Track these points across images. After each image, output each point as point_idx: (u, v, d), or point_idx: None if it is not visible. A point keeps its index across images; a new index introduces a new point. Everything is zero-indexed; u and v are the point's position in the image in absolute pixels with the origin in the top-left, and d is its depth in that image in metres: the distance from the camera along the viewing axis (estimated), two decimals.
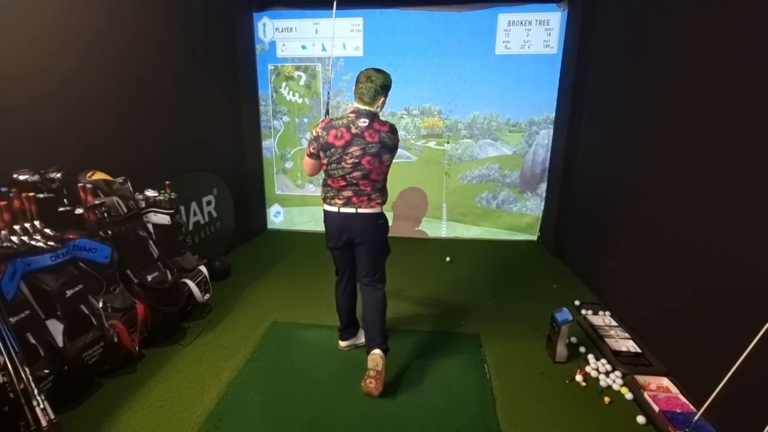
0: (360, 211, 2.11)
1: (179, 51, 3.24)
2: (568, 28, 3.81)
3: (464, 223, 4.52)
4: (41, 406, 1.61)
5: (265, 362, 2.41)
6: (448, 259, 3.84)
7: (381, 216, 2.17)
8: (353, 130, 2.00)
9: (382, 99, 2.04)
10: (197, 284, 2.78)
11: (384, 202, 2.16)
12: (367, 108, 2.02)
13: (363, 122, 2.00)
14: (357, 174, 2.04)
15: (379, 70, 2.02)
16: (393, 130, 2.07)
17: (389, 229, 2.27)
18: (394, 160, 2.15)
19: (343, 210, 2.11)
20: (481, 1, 3.94)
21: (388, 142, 2.04)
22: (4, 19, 2.02)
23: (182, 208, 3.21)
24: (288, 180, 4.68)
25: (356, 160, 2.01)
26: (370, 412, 2.04)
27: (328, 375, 2.29)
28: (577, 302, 3.06)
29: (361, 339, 2.51)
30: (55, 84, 2.28)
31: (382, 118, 2.08)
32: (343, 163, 2.03)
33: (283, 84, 4.39)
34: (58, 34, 2.29)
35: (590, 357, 2.43)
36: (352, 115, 2.02)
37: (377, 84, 1.98)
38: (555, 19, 3.89)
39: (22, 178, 2.03)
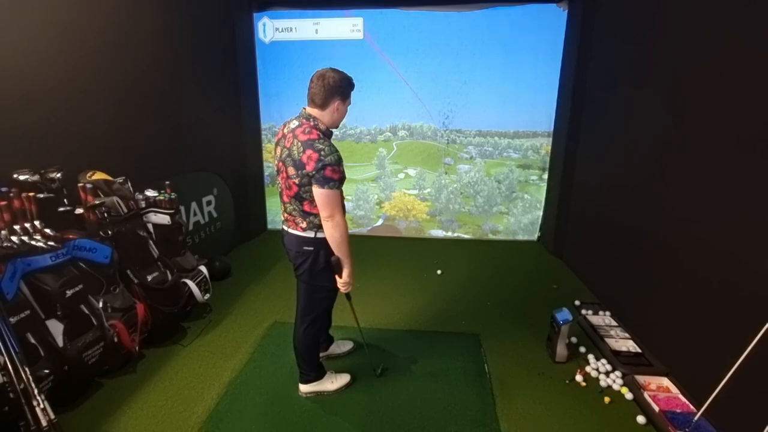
0: (286, 228, 1.90)
1: (179, 51, 3.25)
2: (568, 28, 3.82)
3: (463, 224, 4.53)
4: (41, 406, 1.62)
5: (265, 362, 2.41)
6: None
7: (310, 242, 1.82)
8: (285, 130, 1.80)
9: (337, 102, 1.74)
10: (197, 284, 2.78)
11: (311, 227, 1.80)
12: (315, 110, 1.75)
13: (294, 123, 1.77)
14: (279, 181, 1.84)
15: (334, 70, 1.75)
16: (312, 145, 1.65)
17: (327, 264, 1.84)
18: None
19: (283, 226, 1.93)
20: (481, 1, 3.94)
21: (295, 153, 1.68)
22: (4, 19, 2.02)
23: (182, 208, 3.21)
24: None
25: (276, 166, 1.84)
26: (371, 412, 2.04)
27: None
28: (577, 302, 3.06)
29: (337, 350, 2.47)
30: (55, 84, 2.28)
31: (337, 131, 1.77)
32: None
33: None
34: (58, 34, 2.29)
35: (590, 357, 2.43)
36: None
37: (330, 83, 1.71)
38: (555, 19, 3.88)
39: (22, 178, 2.03)
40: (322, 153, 1.64)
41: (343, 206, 1.85)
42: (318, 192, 1.68)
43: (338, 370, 2.26)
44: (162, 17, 3.05)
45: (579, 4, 3.56)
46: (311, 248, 1.83)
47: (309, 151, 1.65)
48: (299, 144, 1.68)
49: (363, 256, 3.87)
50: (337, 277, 1.88)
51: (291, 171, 1.72)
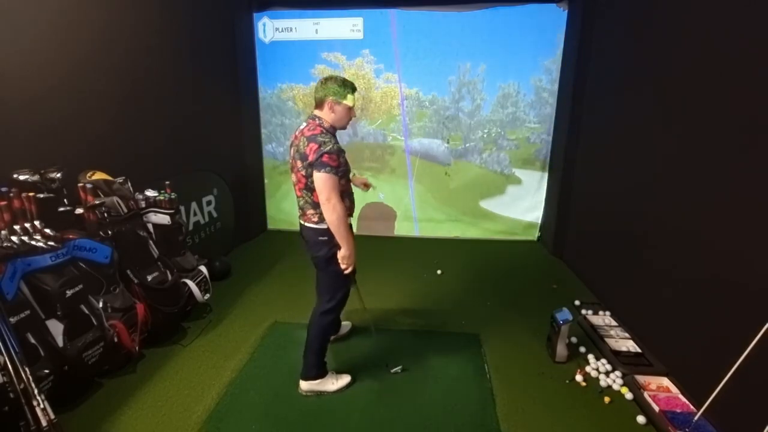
0: (302, 221, 2.03)
1: (179, 51, 3.25)
2: (568, 28, 3.82)
3: (464, 224, 4.53)
4: (41, 406, 1.62)
5: (265, 362, 2.41)
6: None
7: (324, 233, 1.95)
8: (296, 132, 1.96)
9: (330, 101, 1.89)
10: (197, 284, 2.78)
11: (322, 219, 1.92)
12: (317, 110, 1.94)
13: (303, 125, 1.95)
14: (293, 177, 1.98)
15: (334, 77, 1.91)
16: (314, 139, 1.82)
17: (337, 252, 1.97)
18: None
19: (300, 220, 2.05)
20: (481, 1, 3.94)
21: (302, 147, 1.85)
22: (4, 20, 2.02)
23: (182, 208, 3.21)
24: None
25: (290, 165, 2.00)
26: (371, 412, 2.04)
27: None
28: (577, 302, 3.06)
29: (340, 332, 2.56)
30: (55, 84, 2.28)
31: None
32: None
33: None
34: (59, 34, 2.29)
35: (590, 357, 2.43)
36: None
37: (325, 84, 1.89)
38: (555, 19, 3.89)
39: (22, 178, 2.03)
40: (323, 144, 1.81)
41: (352, 199, 2.04)
42: (316, 176, 1.82)
43: (341, 369, 2.26)
44: (162, 17, 3.05)
45: (579, 4, 3.57)
46: (326, 238, 1.96)
47: (312, 144, 1.82)
48: (305, 139, 1.86)
49: (362, 256, 3.87)
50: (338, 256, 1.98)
51: (299, 164, 1.89)
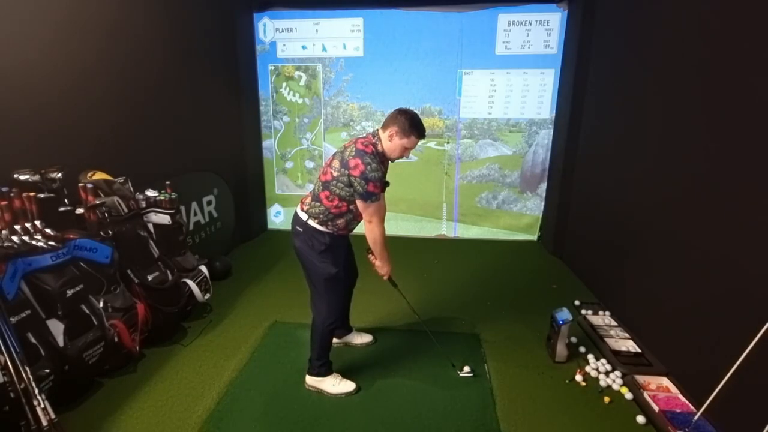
0: (297, 209, 2.06)
1: (180, 51, 3.25)
2: (568, 28, 3.82)
3: (464, 223, 4.53)
4: (42, 405, 1.62)
5: (266, 362, 2.41)
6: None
7: (302, 224, 2.00)
8: (353, 139, 2.02)
9: (393, 130, 1.91)
10: (198, 284, 2.78)
11: (308, 211, 1.99)
12: (380, 131, 1.96)
13: (361, 136, 2.00)
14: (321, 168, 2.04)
15: (411, 115, 1.93)
16: (362, 156, 1.85)
17: (322, 253, 1.99)
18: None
19: None
20: (481, 1, 3.94)
21: (347, 154, 1.88)
22: (5, 20, 2.02)
23: (182, 208, 3.21)
24: (288, 180, 4.68)
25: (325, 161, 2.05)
26: (371, 412, 2.04)
27: None
28: (577, 302, 3.06)
29: (355, 340, 2.54)
30: (55, 84, 2.28)
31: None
32: None
33: (284, 84, 4.40)
34: (59, 34, 2.29)
35: (590, 357, 2.43)
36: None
37: (396, 114, 1.93)
38: (555, 19, 3.89)
39: (23, 178, 2.03)
40: (369, 168, 1.84)
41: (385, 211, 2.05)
42: (362, 205, 1.92)
43: (342, 367, 2.26)
44: (162, 17, 3.05)
45: (579, 4, 3.57)
46: (301, 230, 2.01)
47: (358, 160, 1.85)
48: (354, 149, 1.89)
49: (361, 256, 3.87)
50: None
51: (336, 164, 1.92)
